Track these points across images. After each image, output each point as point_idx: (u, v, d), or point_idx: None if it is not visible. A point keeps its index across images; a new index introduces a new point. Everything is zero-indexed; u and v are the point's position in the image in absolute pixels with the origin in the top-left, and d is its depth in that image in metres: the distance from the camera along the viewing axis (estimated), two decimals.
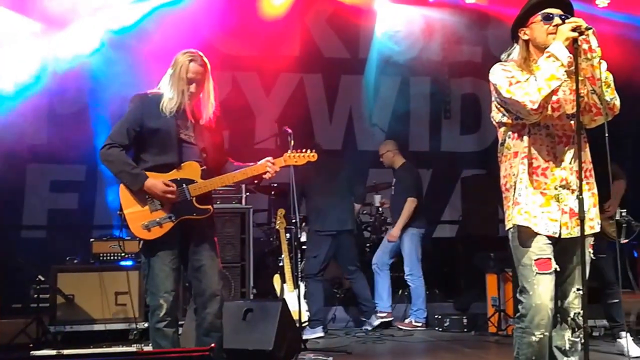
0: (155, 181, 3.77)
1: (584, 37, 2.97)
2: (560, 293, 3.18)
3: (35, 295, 6.00)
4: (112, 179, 3.90)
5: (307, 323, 6.34)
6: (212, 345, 3.47)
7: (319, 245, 6.69)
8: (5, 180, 7.12)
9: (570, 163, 3.12)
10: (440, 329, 6.92)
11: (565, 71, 2.98)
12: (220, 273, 3.97)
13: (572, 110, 3.13)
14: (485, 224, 8.25)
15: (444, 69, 9.44)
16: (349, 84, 9.29)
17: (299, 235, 6.34)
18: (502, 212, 3.31)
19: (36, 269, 6.10)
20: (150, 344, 3.99)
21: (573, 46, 2.99)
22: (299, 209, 5.94)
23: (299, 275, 6.43)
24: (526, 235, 3.11)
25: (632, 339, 5.37)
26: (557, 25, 3.06)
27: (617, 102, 3.12)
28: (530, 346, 3.09)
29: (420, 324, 7.04)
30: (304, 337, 5.87)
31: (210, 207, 3.93)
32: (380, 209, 8.03)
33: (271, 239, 7.59)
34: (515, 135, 3.18)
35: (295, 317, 5.46)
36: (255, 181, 4.62)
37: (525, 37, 3.22)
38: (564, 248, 3.13)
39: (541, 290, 3.05)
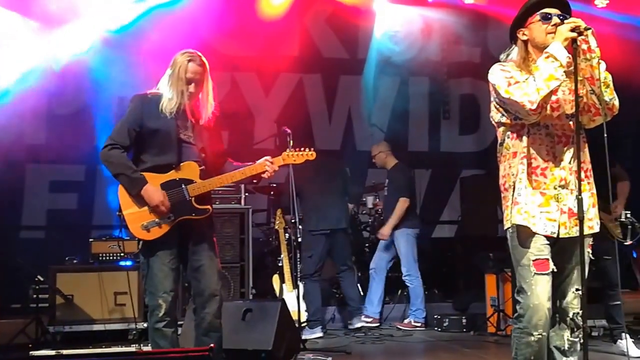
0: (154, 190, 3.76)
1: (583, 37, 2.97)
2: (559, 293, 3.18)
3: (35, 296, 5.99)
4: (111, 179, 3.89)
5: (306, 323, 6.34)
6: (211, 345, 3.46)
7: (313, 245, 6.68)
8: (4, 180, 7.11)
9: (569, 163, 3.12)
10: (440, 329, 6.93)
11: (564, 71, 2.98)
12: (219, 273, 3.97)
13: (572, 111, 3.13)
14: (485, 224, 8.23)
15: (443, 69, 9.46)
16: (348, 84, 9.28)
17: (298, 235, 6.35)
18: (501, 213, 3.30)
19: (35, 269, 6.09)
20: (149, 344, 3.99)
21: (572, 46, 2.98)
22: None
23: (298, 276, 6.44)
24: (525, 235, 3.11)
25: (632, 341, 5.36)
26: (555, 25, 3.06)
27: (616, 103, 3.12)
28: (528, 346, 3.10)
29: (419, 324, 7.04)
30: (303, 337, 5.86)
31: (209, 207, 3.93)
32: (379, 210, 8.03)
33: (270, 239, 7.59)
34: (515, 135, 3.18)
35: (295, 317, 5.46)
36: (254, 181, 4.61)
37: (524, 38, 3.22)
38: (562, 248, 3.13)
39: (539, 290, 3.05)
